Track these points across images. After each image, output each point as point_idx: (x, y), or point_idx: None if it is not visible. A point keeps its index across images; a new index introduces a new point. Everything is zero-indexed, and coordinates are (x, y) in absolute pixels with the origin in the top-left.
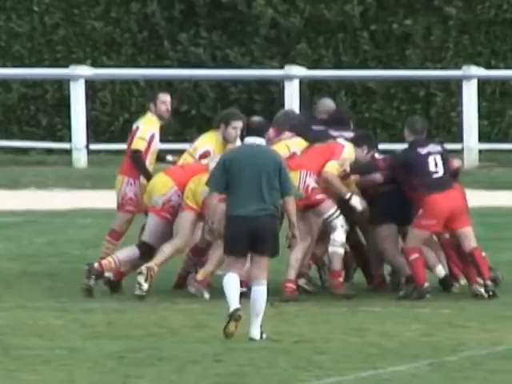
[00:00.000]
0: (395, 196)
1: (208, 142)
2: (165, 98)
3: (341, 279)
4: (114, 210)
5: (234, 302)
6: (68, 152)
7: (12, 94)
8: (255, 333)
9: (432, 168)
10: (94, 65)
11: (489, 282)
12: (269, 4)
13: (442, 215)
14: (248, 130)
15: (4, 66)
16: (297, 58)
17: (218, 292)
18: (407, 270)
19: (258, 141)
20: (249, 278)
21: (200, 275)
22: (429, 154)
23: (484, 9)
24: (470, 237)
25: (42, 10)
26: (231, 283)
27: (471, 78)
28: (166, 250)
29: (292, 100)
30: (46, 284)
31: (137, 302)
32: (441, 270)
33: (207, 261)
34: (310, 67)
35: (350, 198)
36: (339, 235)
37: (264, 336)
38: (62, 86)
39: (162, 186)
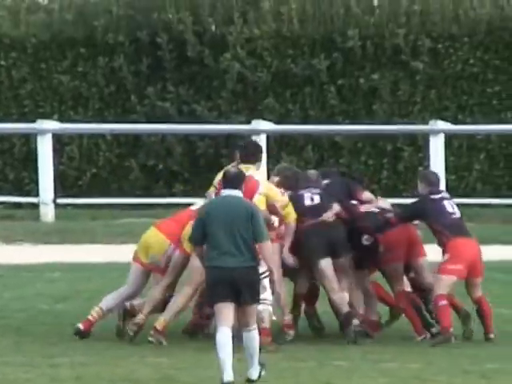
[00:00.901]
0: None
1: None
2: None
3: (269, 338)
4: (81, 263)
5: (227, 370)
6: (35, 206)
7: None
8: (254, 374)
9: (450, 209)
10: (61, 119)
11: (491, 336)
12: (236, 58)
13: (468, 260)
14: (224, 182)
15: None
16: (264, 112)
17: (186, 345)
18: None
19: (234, 192)
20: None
21: (159, 325)
22: (443, 198)
23: (451, 63)
24: (479, 286)
25: (9, 64)
26: (225, 345)
27: (438, 132)
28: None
29: None
30: (14, 339)
31: (104, 355)
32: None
33: (167, 310)
34: (277, 122)
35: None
36: (268, 294)
37: (263, 373)
38: (30, 140)
39: (158, 245)
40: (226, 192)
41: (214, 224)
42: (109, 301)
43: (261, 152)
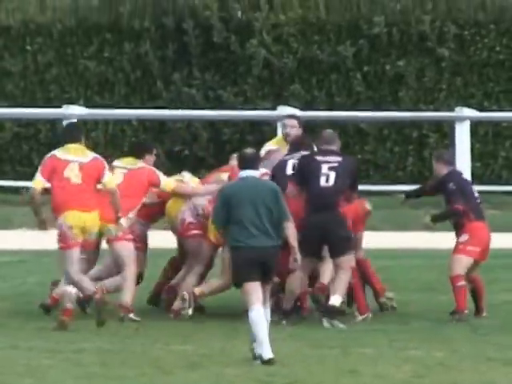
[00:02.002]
0: None
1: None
2: None
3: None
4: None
5: (267, 348)
6: None
7: (5, 133)
8: (269, 353)
9: (476, 194)
10: (87, 104)
11: (483, 314)
12: (262, 44)
13: (485, 244)
14: (242, 163)
15: None
16: (290, 98)
17: (211, 332)
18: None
19: (253, 173)
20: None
21: (198, 291)
22: (470, 182)
23: (477, 50)
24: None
25: (34, 49)
26: (261, 323)
27: (464, 119)
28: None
29: None
30: (38, 324)
31: (129, 341)
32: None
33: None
34: (302, 108)
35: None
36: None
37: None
38: (55, 125)
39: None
40: (246, 173)
41: (242, 205)
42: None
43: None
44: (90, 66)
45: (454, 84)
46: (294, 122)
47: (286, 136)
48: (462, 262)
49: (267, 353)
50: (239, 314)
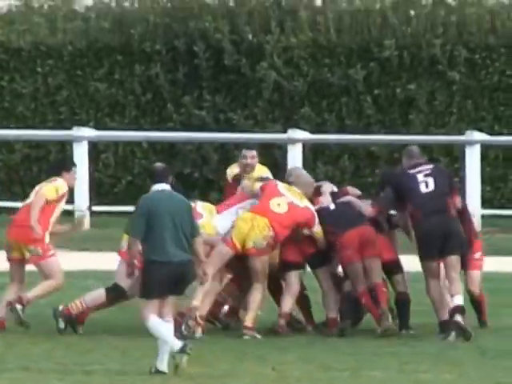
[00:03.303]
0: None
1: None
2: None
3: None
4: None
5: (175, 340)
6: (71, 213)
7: (15, 155)
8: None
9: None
10: (97, 126)
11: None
12: (272, 67)
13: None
14: (154, 177)
15: (7, 126)
16: (300, 121)
17: (218, 354)
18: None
19: (166, 186)
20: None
21: (249, 322)
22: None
23: (488, 74)
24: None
25: (45, 71)
26: (161, 324)
27: (474, 143)
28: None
29: (295, 163)
30: (47, 346)
31: (139, 363)
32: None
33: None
34: (313, 131)
35: None
36: None
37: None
38: (65, 147)
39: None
40: (161, 186)
41: (159, 217)
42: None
43: None
44: (101, 88)
45: (465, 108)
46: (254, 153)
47: (244, 167)
48: (480, 277)
49: (178, 342)
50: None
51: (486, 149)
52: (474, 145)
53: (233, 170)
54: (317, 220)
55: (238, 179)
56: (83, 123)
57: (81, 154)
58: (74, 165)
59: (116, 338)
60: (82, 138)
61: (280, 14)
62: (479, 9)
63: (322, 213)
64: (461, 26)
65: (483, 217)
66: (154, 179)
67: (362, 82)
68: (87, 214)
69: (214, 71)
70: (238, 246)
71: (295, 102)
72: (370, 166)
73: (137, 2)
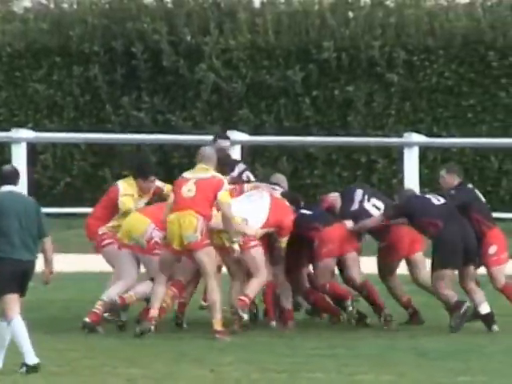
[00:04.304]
0: None
1: None
2: None
3: None
4: (54, 273)
5: (32, 355)
6: None
7: None
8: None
9: (484, 200)
10: (36, 128)
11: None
12: (211, 69)
13: (506, 246)
14: (3, 179)
15: None
16: (239, 123)
17: (157, 356)
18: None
19: (14, 188)
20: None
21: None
22: (474, 190)
23: (426, 76)
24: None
25: None
26: (23, 332)
27: (413, 145)
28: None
29: None
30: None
31: (76, 365)
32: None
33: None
34: (251, 133)
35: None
36: None
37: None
38: (3, 148)
39: (139, 225)
40: (7, 188)
41: (8, 217)
42: (111, 291)
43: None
44: (39, 89)
45: (403, 109)
46: (228, 143)
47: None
48: (503, 271)
49: (33, 358)
50: (188, 337)
51: (424, 151)
52: (412, 147)
53: None
54: (226, 184)
55: None
56: (22, 124)
57: (19, 156)
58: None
59: (53, 338)
60: (20, 139)
61: (219, 15)
62: (417, 10)
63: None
64: (399, 28)
65: None
66: (2, 181)
67: (301, 83)
68: None
69: (152, 72)
70: (176, 247)
71: (234, 104)
72: (309, 168)
73: (75, 4)
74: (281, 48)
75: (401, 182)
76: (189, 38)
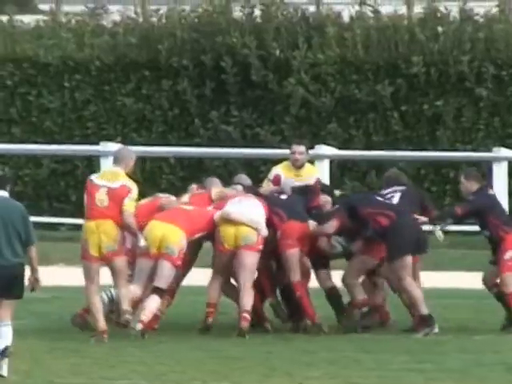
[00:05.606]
0: None
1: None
2: None
3: None
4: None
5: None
6: None
7: (42, 170)
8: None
9: (503, 206)
10: (124, 141)
11: None
12: (300, 83)
13: None
14: None
15: (35, 141)
16: (327, 137)
17: None
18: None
19: (3, 193)
20: None
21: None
22: (495, 195)
23: None
24: None
25: (72, 86)
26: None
27: (502, 159)
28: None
29: (322, 179)
30: (73, 360)
31: (165, 378)
32: None
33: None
34: (340, 147)
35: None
36: None
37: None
38: (92, 161)
39: (174, 236)
40: None
41: None
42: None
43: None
44: (128, 103)
45: (492, 124)
46: (302, 149)
47: (293, 162)
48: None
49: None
50: (276, 351)
51: None
52: (501, 161)
53: (276, 171)
54: (133, 193)
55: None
56: (110, 138)
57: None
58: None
59: (142, 352)
60: (109, 153)
61: (307, 29)
62: (507, 25)
63: (272, 198)
64: (488, 43)
65: None
66: None
67: (390, 98)
68: None
69: (241, 86)
70: (95, 254)
71: (322, 118)
72: None
73: (164, 18)
74: (370, 62)
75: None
76: (277, 52)
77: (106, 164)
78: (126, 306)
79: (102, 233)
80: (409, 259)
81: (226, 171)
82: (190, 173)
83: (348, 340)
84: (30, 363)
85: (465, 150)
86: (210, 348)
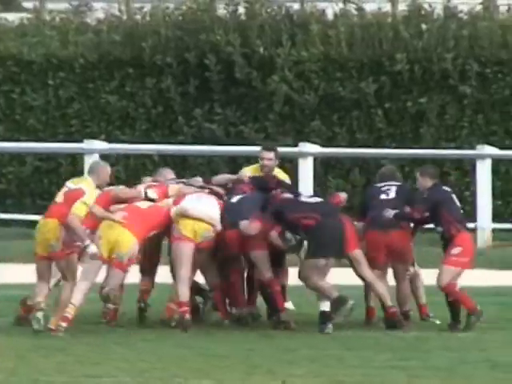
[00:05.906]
0: None
1: None
2: None
3: None
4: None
5: None
6: None
7: (26, 168)
8: None
9: (458, 204)
10: (108, 139)
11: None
12: (283, 81)
13: (473, 253)
14: None
15: (18, 139)
16: (311, 135)
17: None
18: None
19: None
20: None
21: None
22: (451, 192)
23: (499, 88)
24: None
25: (56, 83)
26: None
27: (485, 157)
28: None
29: (306, 177)
30: (58, 359)
31: (148, 375)
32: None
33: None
34: (323, 144)
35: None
36: None
37: None
38: (76, 159)
39: (126, 243)
40: None
41: None
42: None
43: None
44: (112, 100)
45: (476, 122)
46: (271, 155)
47: (262, 167)
48: (453, 273)
49: None
50: (259, 348)
51: (496, 163)
52: (484, 159)
53: (246, 173)
54: (85, 197)
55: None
56: (94, 136)
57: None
58: None
59: (125, 349)
60: (93, 150)
61: (291, 27)
62: (491, 23)
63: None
64: (472, 40)
65: (494, 231)
66: None
67: (373, 95)
68: None
69: (224, 84)
70: (43, 253)
71: (306, 116)
72: None
73: (148, 15)
74: (354, 60)
75: (473, 194)
76: (261, 49)
77: (90, 162)
78: (40, 299)
79: (45, 232)
80: (323, 262)
81: (209, 169)
82: (174, 170)
83: (330, 337)
84: (14, 361)
85: (449, 148)
86: (192, 345)
